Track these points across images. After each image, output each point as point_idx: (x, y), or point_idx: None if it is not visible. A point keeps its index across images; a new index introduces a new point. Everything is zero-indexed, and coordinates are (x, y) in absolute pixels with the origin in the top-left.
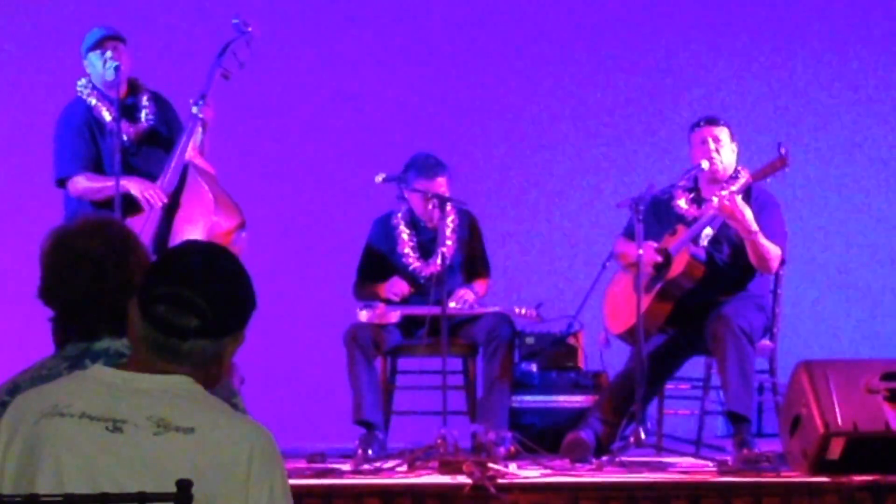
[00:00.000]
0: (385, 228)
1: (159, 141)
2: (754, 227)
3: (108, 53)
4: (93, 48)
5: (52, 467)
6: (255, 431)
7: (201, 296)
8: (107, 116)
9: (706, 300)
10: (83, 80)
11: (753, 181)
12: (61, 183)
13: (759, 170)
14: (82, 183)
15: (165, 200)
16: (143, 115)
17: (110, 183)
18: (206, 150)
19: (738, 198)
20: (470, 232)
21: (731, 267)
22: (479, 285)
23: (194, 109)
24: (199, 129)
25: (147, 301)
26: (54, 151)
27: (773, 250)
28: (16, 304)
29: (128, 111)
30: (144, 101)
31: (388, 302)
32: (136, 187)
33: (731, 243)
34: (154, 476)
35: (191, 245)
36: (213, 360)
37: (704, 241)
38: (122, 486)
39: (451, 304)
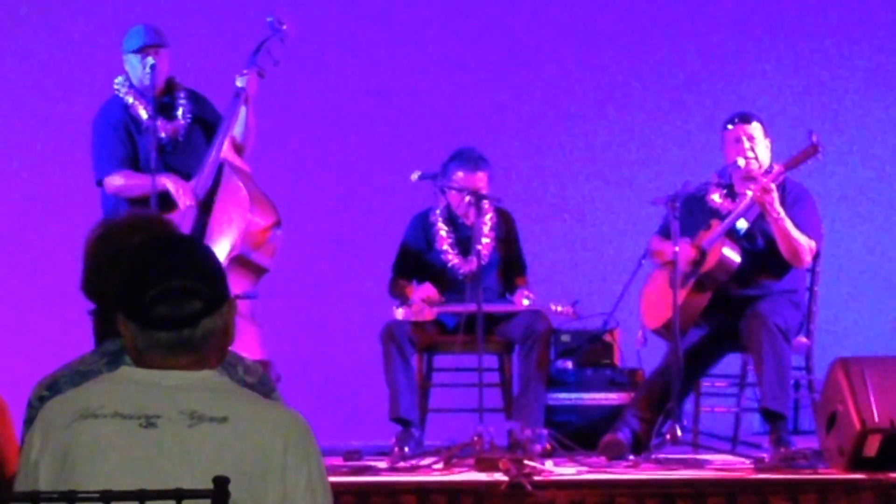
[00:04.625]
0: (423, 225)
1: (196, 138)
2: (783, 213)
3: (149, 60)
4: (134, 51)
5: (90, 468)
6: (288, 417)
7: (188, 277)
8: (143, 115)
9: (742, 293)
10: (120, 79)
11: (786, 170)
12: (101, 183)
13: (792, 158)
14: (118, 181)
15: (191, 203)
16: (179, 112)
17: (145, 180)
18: (252, 127)
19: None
20: (507, 230)
21: (765, 258)
22: (524, 285)
23: (239, 82)
24: (242, 109)
25: (142, 311)
26: (92, 151)
27: (805, 241)
28: (56, 301)
29: (164, 109)
30: (181, 99)
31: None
32: (172, 184)
33: (765, 236)
34: (192, 468)
35: (142, 244)
36: (221, 334)
37: (739, 234)
38: (161, 481)
39: (525, 302)
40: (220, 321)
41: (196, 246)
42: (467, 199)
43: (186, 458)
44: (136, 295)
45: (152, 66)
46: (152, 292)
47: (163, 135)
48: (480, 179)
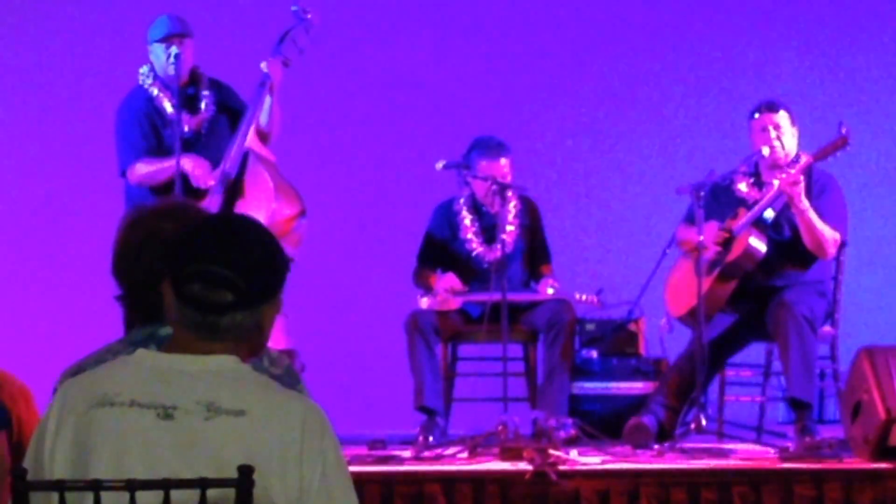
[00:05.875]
0: (447, 214)
1: (220, 129)
2: (808, 205)
3: (174, 49)
4: (159, 41)
5: (107, 457)
6: (304, 408)
7: (231, 269)
8: (168, 107)
9: (767, 283)
10: (145, 68)
11: (815, 161)
12: (125, 174)
13: (821, 149)
14: (141, 169)
15: (210, 182)
16: (203, 104)
17: (167, 164)
18: (277, 116)
19: (801, 177)
20: (531, 219)
21: (791, 248)
22: (549, 274)
23: (264, 70)
24: (267, 98)
25: (180, 281)
26: (116, 143)
27: (830, 234)
28: (83, 290)
29: (188, 101)
30: (204, 90)
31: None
32: (189, 164)
33: (791, 225)
34: (208, 461)
35: (213, 219)
36: (253, 331)
37: (766, 223)
38: (177, 473)
39: (549, 291)
40: (251, 318)
41: (256, 237)
42: (493, 187)
43: (203, 451)
44: (178, 265)
45: (176, 56)
46: (191, 268)
47: (186, 128)
48: (504, 166)
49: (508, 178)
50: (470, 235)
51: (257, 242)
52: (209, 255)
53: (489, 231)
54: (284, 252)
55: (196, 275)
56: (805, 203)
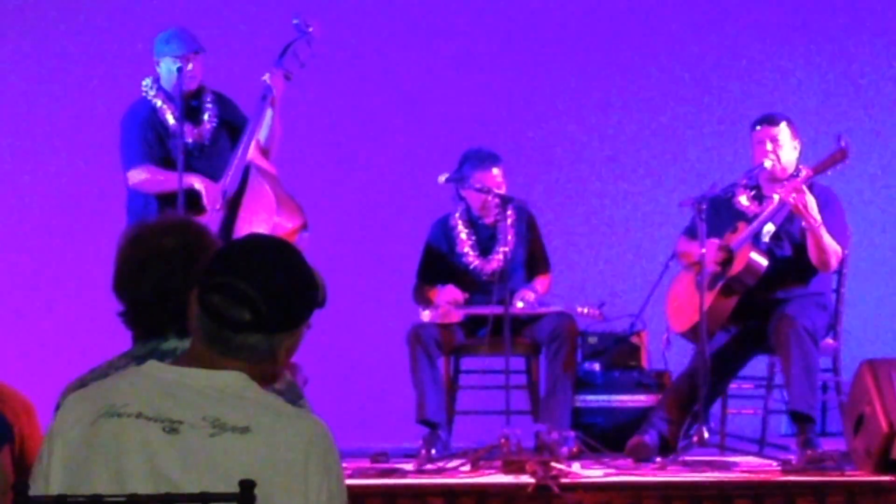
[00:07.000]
0: (444, 229)
1: (222, 142)
2: (819, 218)
3: (190, 66)
4: (174, 56)
5: (111, 468)
6: (310, 427)
7: (256, 289)
8: (170, 119)
9: (768, 297)
10: (148, 81)
11: (814, 174)
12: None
13: (820, 163)
14: (141, 175)
15: (218, 206)
16: (205, 116)
17: (171, 177)
18: (278, 130)
19: (806, 189)
20: (528, 228)
21: (792, 263)
22: (540, 282)
23: (265, 79)
24: (268, 112)
25: (204, 290)
26: (121, 153)
27: (834, 247)
28: (86, 304)
29: (191, 113)
30: (208, 102)
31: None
32: (199, 182)
33: (792, 239)
34: (212, 477)
35: (255, 238)
36: (266, 356)
37: (766, 238)
38: (180, 487)
39: (519, 305)
40: (265, 343)
41: (292, 267)
42: (492, 199)
43: (207, 467)
44: (209, 273)
45: (189, 71)
46: (217, 279)
47: (189, 140)
48: (496, 176)
49: (503, 188)
50: (467, 249)
51: (291, 271)
52: (239, 271)
53: (486, 243)
54: (320, 290)
55: (220, 287)
56: (817, 218)
